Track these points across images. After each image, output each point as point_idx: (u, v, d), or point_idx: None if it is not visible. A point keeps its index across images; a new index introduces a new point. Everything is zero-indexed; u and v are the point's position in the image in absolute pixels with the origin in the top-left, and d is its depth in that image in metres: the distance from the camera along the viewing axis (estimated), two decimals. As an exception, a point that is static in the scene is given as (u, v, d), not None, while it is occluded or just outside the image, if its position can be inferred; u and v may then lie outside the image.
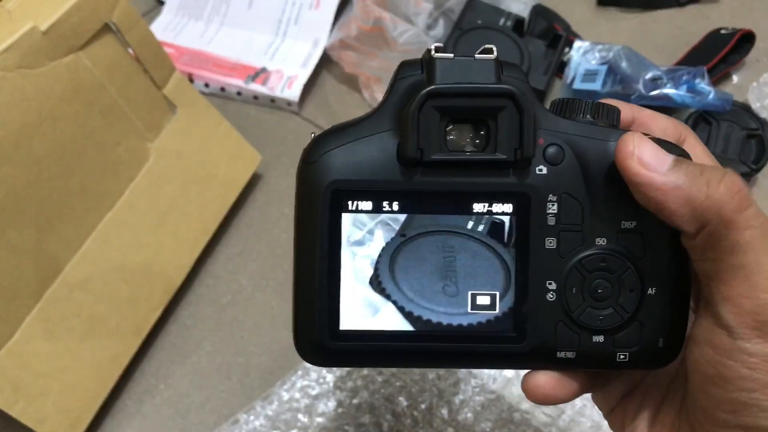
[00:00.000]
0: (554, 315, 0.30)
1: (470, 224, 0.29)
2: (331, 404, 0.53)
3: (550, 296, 0.29)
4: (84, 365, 0.51)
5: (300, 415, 0.52)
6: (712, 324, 0.27)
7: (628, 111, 0.32)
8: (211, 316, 0.58)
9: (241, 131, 0.62)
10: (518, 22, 0.69)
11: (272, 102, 0.70)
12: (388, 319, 0.30)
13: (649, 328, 0.30)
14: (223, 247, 0.62)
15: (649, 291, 0.29)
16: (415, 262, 0.30)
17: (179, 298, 0.58)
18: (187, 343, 0.57)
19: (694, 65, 0.65)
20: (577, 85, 0.67)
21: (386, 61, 0.68)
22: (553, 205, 0.29)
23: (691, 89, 0.62)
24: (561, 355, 0.30)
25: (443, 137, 0.28)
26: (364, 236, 0.29)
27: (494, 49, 0.28)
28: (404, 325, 0.30)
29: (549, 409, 0.52)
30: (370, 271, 0.30)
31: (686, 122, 0.62)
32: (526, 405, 0.52)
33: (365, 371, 0.54)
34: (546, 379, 0.30)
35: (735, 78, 0.70)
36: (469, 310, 0.30)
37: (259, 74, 0.71)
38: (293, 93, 0.69)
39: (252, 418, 0.52)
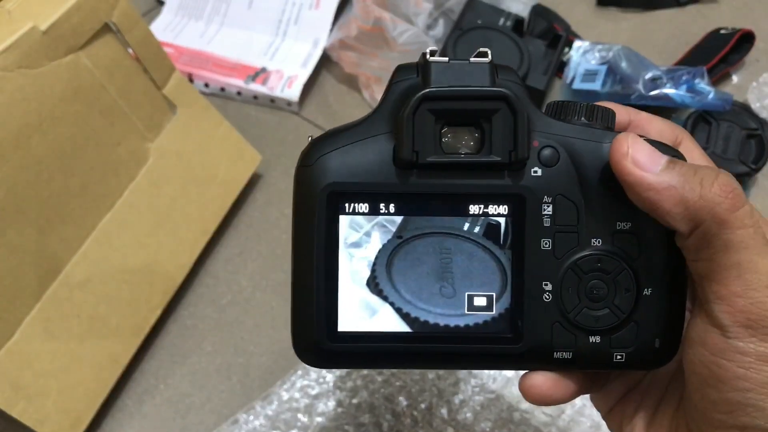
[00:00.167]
0: (550, 316, 0.30)
1: (466, 226, 0.30)
2: (331, 404, 0.53)
3: (546, 297, 0.30)
4: (84, 365, 0.51)
5: (300, 415, 0.52)
6: (706, 324, 0.27)
7: (624, 113, 0.32)
8: (211, 316, 0.59)
9: (241, 131, 0.63)
10: (518, 22, 0.69)
11: (272, 102, 0.70)
12: (386, 320, 0.30)
13: (645, 329, 0.30)
14: (222, 247, 0.62)
15: (645, 291, 0.29)
16: (412, 263, 0.30)
17: (179, 298, 0.59)
18: (187, 343, 0.57)
19: (693, 65, 0.65)
20: (577, 85, 0.67)
21: (386, 61, 0.68)
22: (548, 206, 0.29)
23: (691, 89, 0.62)
24: (558, 355, 0.30)
25: (438, 140, 0.28)
26: (361, 238, 0.30)
27: (489, 52, 0.28)
28: (401, 327, 0.30)
29: (549, 409, 0.52)
30: (368, 273, 0.30)
31: (686, 122, 0.62)
32: (526, 405, 0.52)
33: (365, 371, 0.54)
34: (543, 380, 0.30)
35: (735, 78, 0.70)
36: (465, 311, 0.30)
37: (259, 74, 0.71)
38: (293, 93, 0.69)
39: (252, 418, 0.52)
